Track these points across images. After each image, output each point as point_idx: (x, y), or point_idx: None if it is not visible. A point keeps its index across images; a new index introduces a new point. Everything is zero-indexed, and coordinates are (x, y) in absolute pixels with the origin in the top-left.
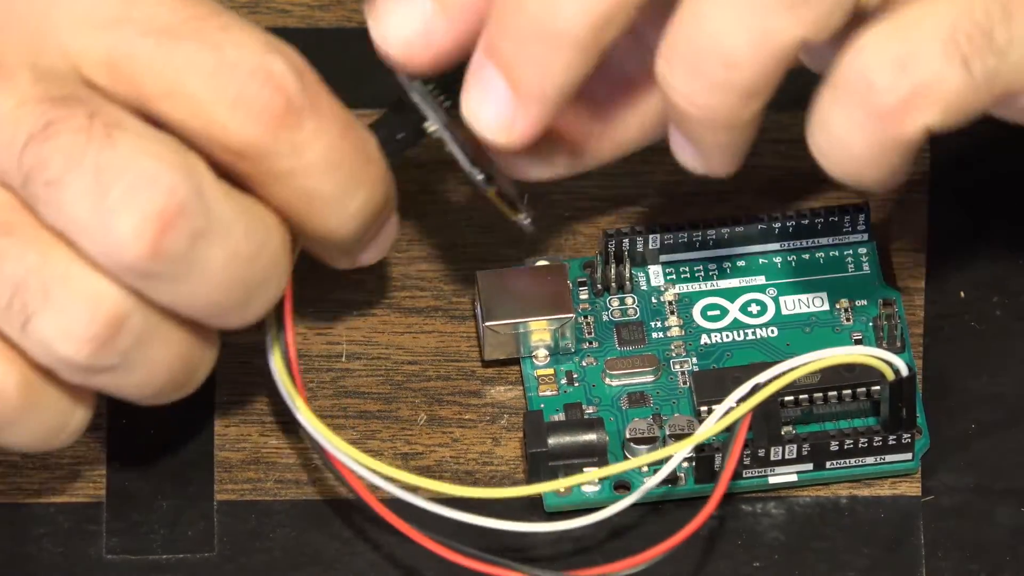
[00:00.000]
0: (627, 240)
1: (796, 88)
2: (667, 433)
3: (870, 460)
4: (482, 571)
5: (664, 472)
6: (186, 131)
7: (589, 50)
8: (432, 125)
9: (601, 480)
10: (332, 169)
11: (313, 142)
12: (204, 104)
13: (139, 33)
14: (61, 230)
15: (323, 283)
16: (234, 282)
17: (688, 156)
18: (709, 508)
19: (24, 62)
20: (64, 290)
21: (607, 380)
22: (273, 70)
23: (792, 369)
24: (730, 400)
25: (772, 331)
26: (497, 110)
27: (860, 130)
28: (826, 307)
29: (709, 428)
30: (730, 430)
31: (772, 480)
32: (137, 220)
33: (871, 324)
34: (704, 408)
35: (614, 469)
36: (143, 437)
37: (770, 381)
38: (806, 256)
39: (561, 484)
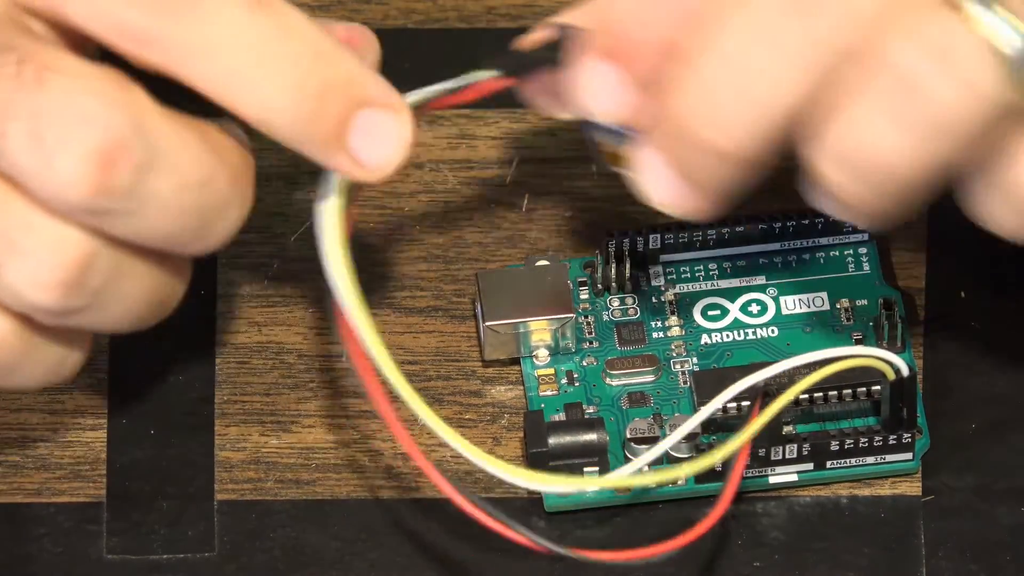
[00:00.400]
0: (627, 240)
1: None
2: (667, 433)
3: (870, 460)
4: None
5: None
6: (92, 29)
7: (755, 161)
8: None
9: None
10: (244, 44)
11: (215, 19)
12: (105, 2)
13: None
14: (12, 178)
15: (323, 283)
16: (188, 210)
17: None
18: (723, 505)
19: None
20: (28, 238)
21: (607, 380)
22: None
23: (816, 365)
24: (732, 391)
25: (772, 331)
26: (670, 194)
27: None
28: (826, 307)
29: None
30: (740, 430)
31: (772, 480)
32: (76, 160)
33: (871, 324)
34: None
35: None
36: (143, 437)
37: (785, 384)
38: (806, 256)
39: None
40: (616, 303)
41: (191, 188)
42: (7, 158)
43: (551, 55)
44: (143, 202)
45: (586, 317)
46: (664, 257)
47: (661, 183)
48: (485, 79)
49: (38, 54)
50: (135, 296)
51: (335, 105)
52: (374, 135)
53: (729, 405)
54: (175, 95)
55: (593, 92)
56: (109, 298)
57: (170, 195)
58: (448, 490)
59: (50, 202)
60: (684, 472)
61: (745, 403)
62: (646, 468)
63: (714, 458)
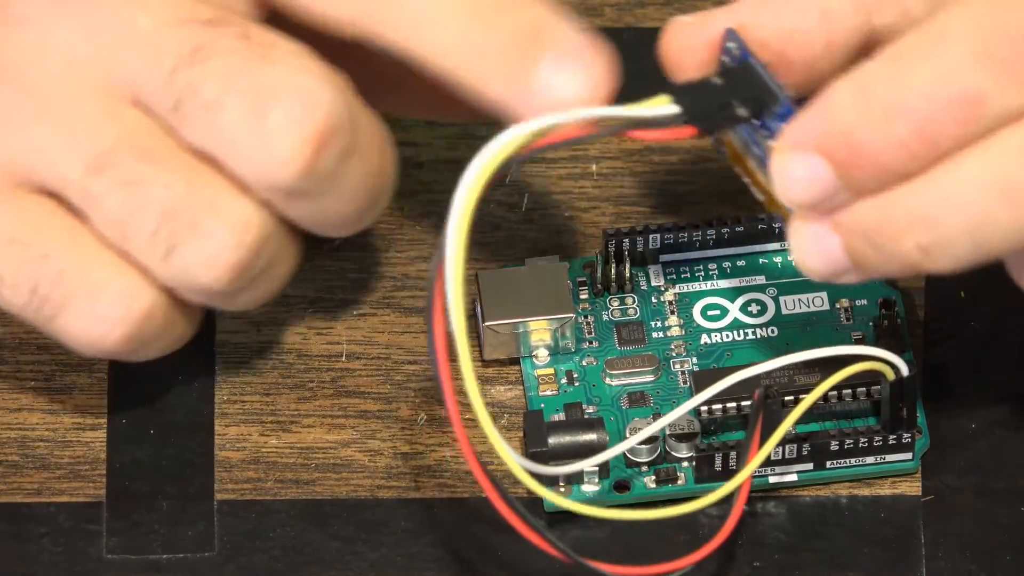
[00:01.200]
0: (627, 240)
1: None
2: (667, 433)
3: (870, 460)
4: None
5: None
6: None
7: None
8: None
9: (601, 480)
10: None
11: None
12: None
13: None
14: (212, 152)
15: (323, 283)
16: (366, 195)
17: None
18: (739, 506)
19: None
20: (213, 218)
21: (607, 380)
22: None
23: (814, 364)
24: (722, 384)
25: (772, 331)
26: (828, 269)
27: None
28: (826, 307)
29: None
30: (748, 431)
31: (772, 480)
32: (297, 140)
33: (871, 324)
34: (704, 408)
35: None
36: (143, 437)
37: (785, 384)
38: None
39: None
40: (616, 303)
41: (374, 175)
42: (218, 132)
43: (744, 105)
44: (334, 186)
45: (586, 317)
46: (664, 257)
47: (822, 256)
48: (667, 118)
49: (255, 30)
50: (279, 278)
51: (524, 46)
52: (561, 81)
53: (729, 405)
54: None
55: (794, 180)
56: (262, 280)
57: (357, 181)
58: (492, 494)
59: (252, 180)
60: (709, 502)
61: (745, 403)
62: (645, 468)
63: (740, 479)
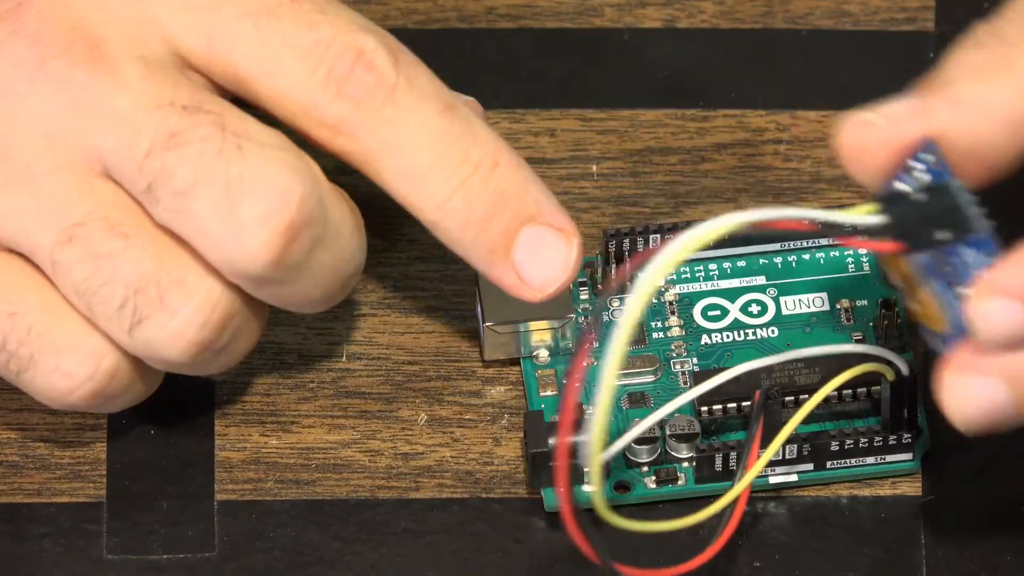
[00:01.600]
0: (627, 240)
1: (795, 88)
2: (667, 433)
3: (870, 460)
4: None
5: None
6: (283, 109)
7: None
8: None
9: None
10: (429, 144)
11: (408, 118)
12: (299, 82)
13: (237, 15)
14: (183, 235)
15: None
16: (334, 281)
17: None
18: (738, 510)
19: (129, 53)
20: (179, 296)
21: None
22: (365, 48)
23: (813, 362)
24: (720, 378)
25: (772, 331)
26: (988, 419)
27: None
28: (826, 307)
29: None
30: (749, 430)
31: (772, 480)
32: (267, 233)
33: (871, 324)
34: (704, 408)
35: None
36: (143, 437)
37: (785, 384)
38: (806, 256)
39: None
40: (616, 303)
41: (342, 262)
42: (188, 219)
43: (945, 229)
44: (303, 274)
45: (586, 318)
46: None
47: (983, 407)
48: (875, 227)
49: (231, 118)
50: (242, 350)
51: (507, 215)
52: (540, 253)
53: (729, 405)
54: None
55: (994, 323)
56: (224, 354)
57: (326, 268)
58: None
59: (222, 267)
60: (712, 511)
61: (745, 403)
62: (645, 468)
63: (742, 486)
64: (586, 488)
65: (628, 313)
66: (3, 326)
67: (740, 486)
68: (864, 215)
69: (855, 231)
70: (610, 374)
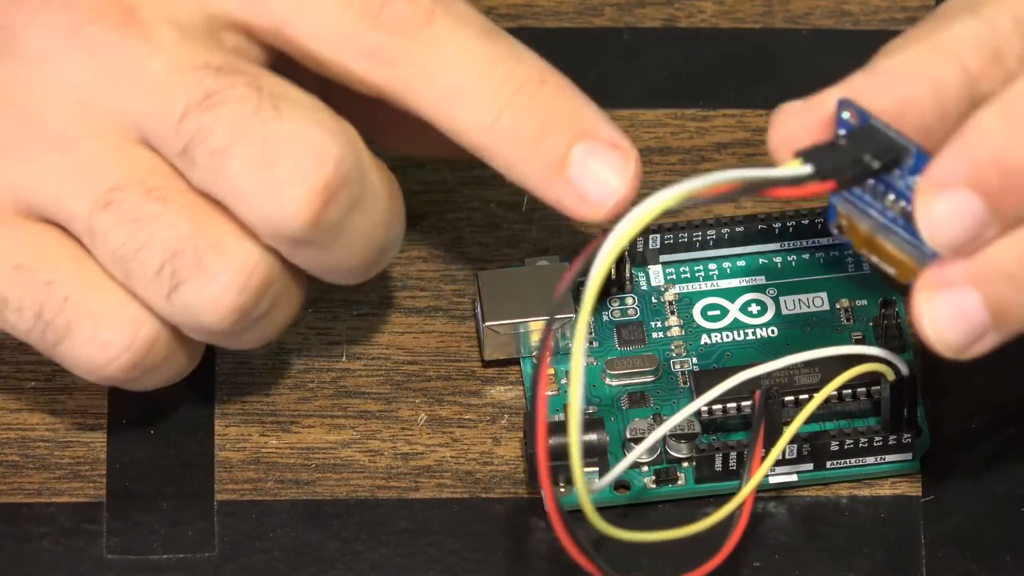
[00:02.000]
0: None
1: (795, 88)
2: (667, 433)
3: (870, 460)
4: None
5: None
6: (322, 48)
7: None
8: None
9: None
10: (473, 65)
11: (448, 40)
12: (334, 16)
13: None
14: (220, 197)
15: (323, 283)
16: (372, 247)
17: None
18: (747, 507)
19: (162, 17)
20: (218, 260)
21: (607, 380)
22: None
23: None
24: (724, 386)
25: (772, 331)
26: (965, 334)
27: None
28: (826, 307)
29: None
30: (752, 431)
31: (772, 480)
32: (305, 191)
33: (871, 324)
34: (704, 408)
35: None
36: (143, 437)
37: (785, 384)
38: (806, 256)
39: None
40: (616, 303)
41: (380, 227)
42: (225, 179)
43: (876, 159)
44: (341, 237)
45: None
46: (664, 257)
47: (959, 320)
48: (802, 177)
49: (267, 80)
50: (281, 320)
51: (558, 132)
52: (596, 169)
53: (729, 405)
54: None
55: (942, 219)
56: (263, 323)
57: (364, 232)
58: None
59: (259, 226)
60: (715, 520)
61: (745, 403)
62: (646, 468)
63: (746, 491)
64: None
65: (584, 306)
66: (39, 295)
67: (745, 491)
68: (792, 168)
69: (785, 182)
70: (576, 365)
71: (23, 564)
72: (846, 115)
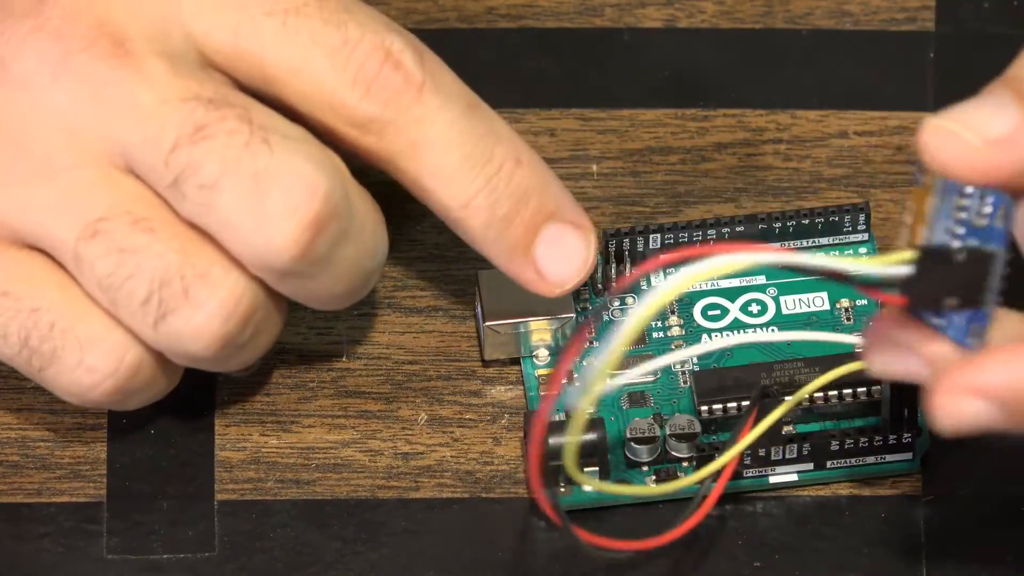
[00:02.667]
0: (627, 240)
1: (795, 88)
2: (667, 433)
3: (870, 460)
4: None
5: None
6: (310, 107)
7: None
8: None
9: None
10: (456, 144)
11: (435, 117)
12: (327, 80)
13: (264, 13)
14: (208, 229)
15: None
16: (358, 276)
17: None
18: (718, 487)
19: (153, 49)
20: (204, 289)
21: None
22: (392, 48)
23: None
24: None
25: (772, 331)
26: (975, 429)
27: None
28: (826, 307)
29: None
30: (734, 429)
31: (772, 480)
32: (294, 225)
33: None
34: (704, 408)
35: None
36: (143, 437)
37: (785, 384)
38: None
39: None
40: (616, 303)
41: (367, 256)
42: (215, 212)
43: (958, 298)
44: (327, 268)
45: (587, 317)
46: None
47: (971, 423)
48: (895, 279)
49: (257, 113)
50: (263, 346)
51: (529, 213)
52: (560, 249)
53: (729, 405)
54: None
55: (957, 417)
56: (246, 349)
57: (350, 262)
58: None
59: (248, 260)
60: (687, 482)
61: (746, 403)
62: (646, 468)
63: (719, 462)
64: (585, 488)
65: (630, 323)
66: (26, 322)
67: (726, 457)
68: (895, 264)
69: (877, 282)
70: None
71: (23, 564)
72: (996, 203)
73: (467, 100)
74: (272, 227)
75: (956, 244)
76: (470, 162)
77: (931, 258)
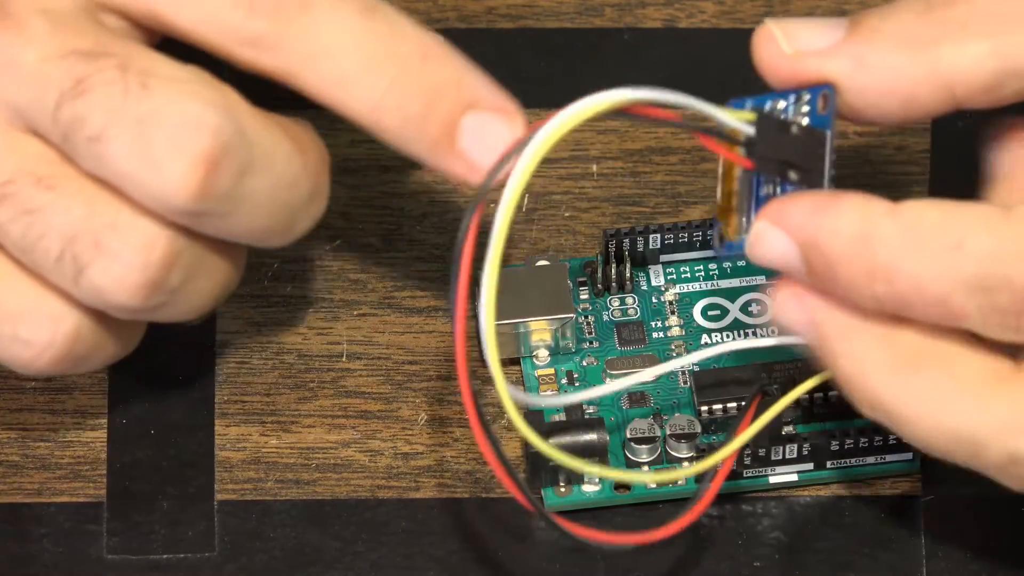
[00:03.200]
0: (627, 240)
1: None
2: (667, 433)
3: (870, 460)
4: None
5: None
6: (202, 36)
7: None
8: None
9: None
10: (353, 47)
11: (326, 23)
12: (211, 7)
13: None
14: (107, 180)
15: (323, 283)
16: (279, 208)
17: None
18: (716, 484)
19: (34, 7)
20: (115, 239)
21: (607, 380)
22: None
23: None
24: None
25: (772, 331)
26: (776, 264)
27: None
28: None
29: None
30: (729, 428)
31: (772, 480)
32: (184, 165)
33: None
34: (704, 408)
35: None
36: (143, 437)
37: (785, 383)
38: None
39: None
40: (616, 303)
41: (283, 187)
42: (107, 163)
43: (798, 173)
44: (239, 203)
45: (586, 317)
46: (664, 257)
47: (775, 257)
48: (739, 135)
49: (136, 58)
50: (207, 289)
51: (444, 105)
52: (485, 137)
53: (729, 405)
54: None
55: (766, 246)
56: (185, 294)
57: (264, 195)
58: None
59: (149, 204)
60: (684, 474)
61: (744, 402)
62: (646, 468)
63: (715, 459)
64: (585, 488)
65: (506, 199)
66: None
67: (724, 452)
68: (739, 119)
69: (719, 132)
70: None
71: (23, 564)
72: (820, 104)
73: (361, 3)
74: (163, 170)
75: (786, 113)
76: (371, 64)
77: (769, 122)
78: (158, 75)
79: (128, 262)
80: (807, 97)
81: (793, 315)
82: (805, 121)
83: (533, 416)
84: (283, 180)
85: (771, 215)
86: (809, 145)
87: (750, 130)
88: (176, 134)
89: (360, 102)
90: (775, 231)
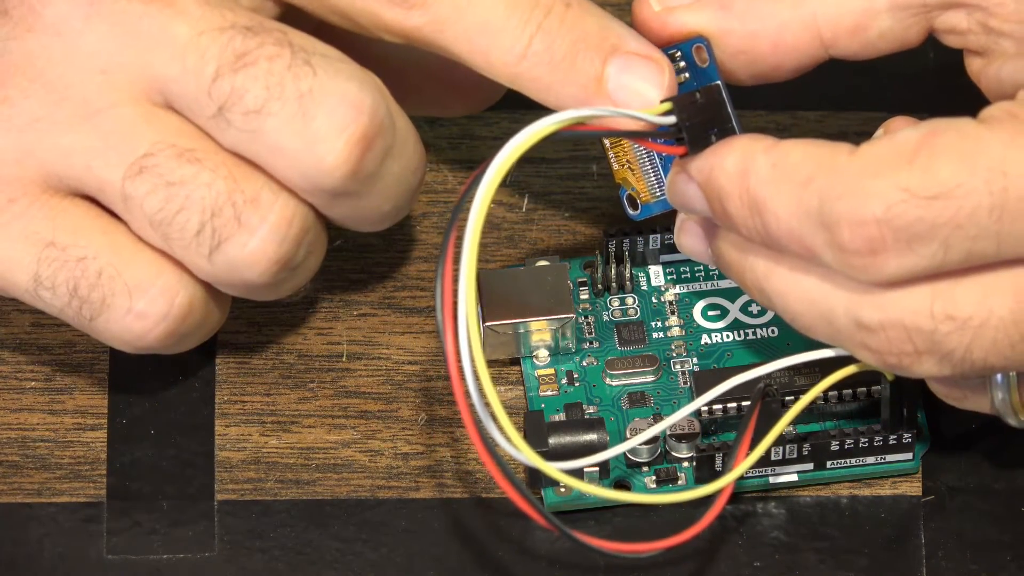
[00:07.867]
0: (627, 240)
1: (795, 88)
2: (667, 433)
3: (870, 460)
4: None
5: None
6: (350, 1)
7: None
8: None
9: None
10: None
11: None
12: None
13: None
14: (255, 155)
15: (323, 283)
16: (403, 191)
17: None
18: (720, 502)
19: None
20: (256, 214)
21: (607, 380)
22: None
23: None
24: (725, 386)
25: (772, 331)
26: (680, 206)
27: None
28: None
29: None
30: (739, 431)
31: (772, 480)
32: (342, 143)
33: None
34: (705, 408)
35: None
36: (143, 437)
37: (785, 384)
38: None
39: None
40: (616, 303)
41: (410, 172)
42: (262, 137)
43: (716, 134)
44: (375, 184)
45: (586, 317)
46: (664, 257)
47: (682, 201)
48: (666, 126)
49: (294, 36)
50: (312, 269)
51: (591, 51)
52: (633, 81)
53: (729, 405)
54: None
55: (680, 194)
56: (301, 271)
57: (395, 178)
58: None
59: (297, 181)
60: (697, 494)
61: (746, 404)
62: (646, 468)
63: (727, 479)
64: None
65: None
66: (73, 272)
67: (726, 479)
68: (657, 114)
69: (652, 134)
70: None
71: (23, 564)
72: (696, 58)
73: None
74: (322, 147)
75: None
76: (517, 10)
77: (681, 103)
78: (317, 53)
79: (266, 237)
80: (678, 54)
81: (691, 245)
82: (695, 84)
83: (533, 416)
84: (411, 165)
85: (680, 162)
86: (712, 103)
87: (671, 119)
88: (337, 112)
89: (507, 52)
90: (681, 176)
